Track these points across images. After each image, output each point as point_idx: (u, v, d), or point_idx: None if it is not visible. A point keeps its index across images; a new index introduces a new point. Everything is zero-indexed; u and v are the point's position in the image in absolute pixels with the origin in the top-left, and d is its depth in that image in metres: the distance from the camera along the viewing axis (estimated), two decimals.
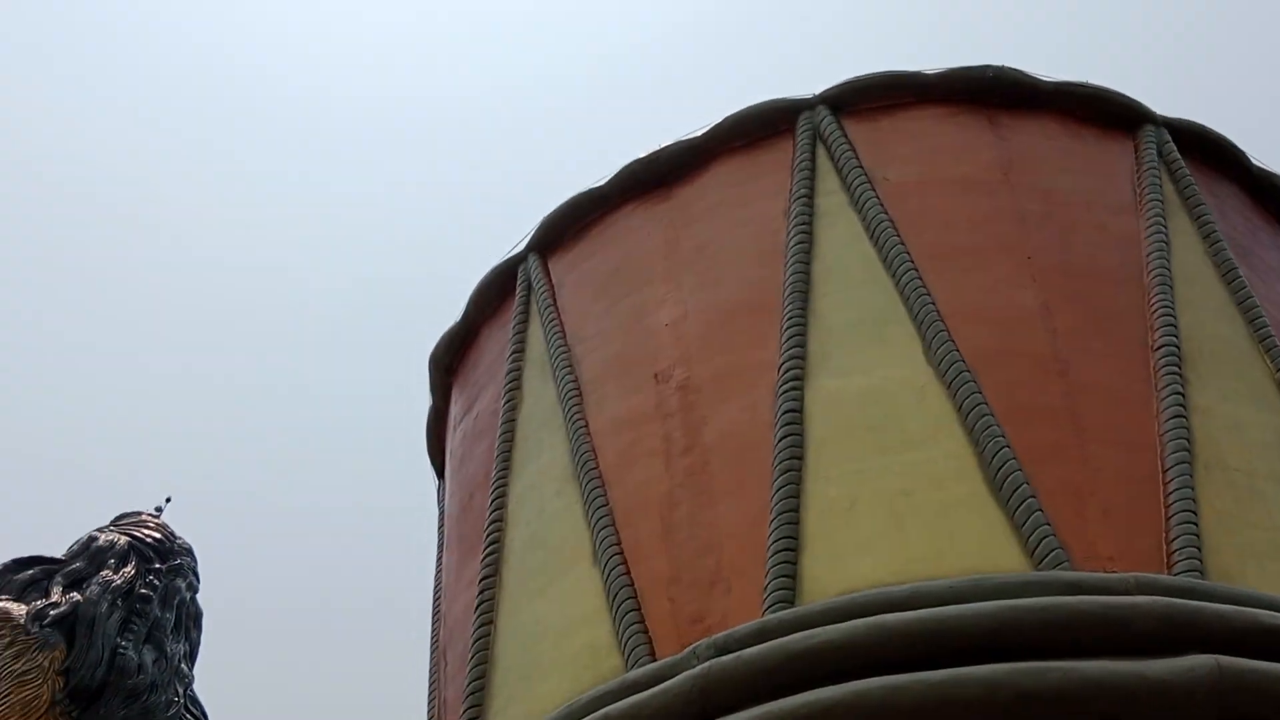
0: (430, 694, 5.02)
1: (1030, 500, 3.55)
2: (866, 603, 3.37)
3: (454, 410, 6.20)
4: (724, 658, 3.37)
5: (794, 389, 4.06)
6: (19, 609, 15.55)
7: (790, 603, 3.50)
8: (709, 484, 4.04)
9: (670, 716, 3.37)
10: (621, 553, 4.03)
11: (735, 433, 4.14)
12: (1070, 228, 4.61)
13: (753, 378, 4.25)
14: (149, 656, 15.89)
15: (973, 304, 4.18)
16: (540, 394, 5.12)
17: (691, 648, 3.50)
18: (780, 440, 3.93)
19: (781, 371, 4.15)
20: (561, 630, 4.03)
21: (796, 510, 3.72)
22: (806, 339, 4.22)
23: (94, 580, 15.83)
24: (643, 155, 5.48)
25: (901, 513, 3.63)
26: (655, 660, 3.59)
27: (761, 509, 3.79)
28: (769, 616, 3.45)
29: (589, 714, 3.52)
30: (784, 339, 4.25)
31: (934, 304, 4.15)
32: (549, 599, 4.19)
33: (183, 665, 16.39)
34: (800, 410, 3.99)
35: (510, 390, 5.35)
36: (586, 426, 4.67)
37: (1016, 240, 4.50)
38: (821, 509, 3.70)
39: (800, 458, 3.84)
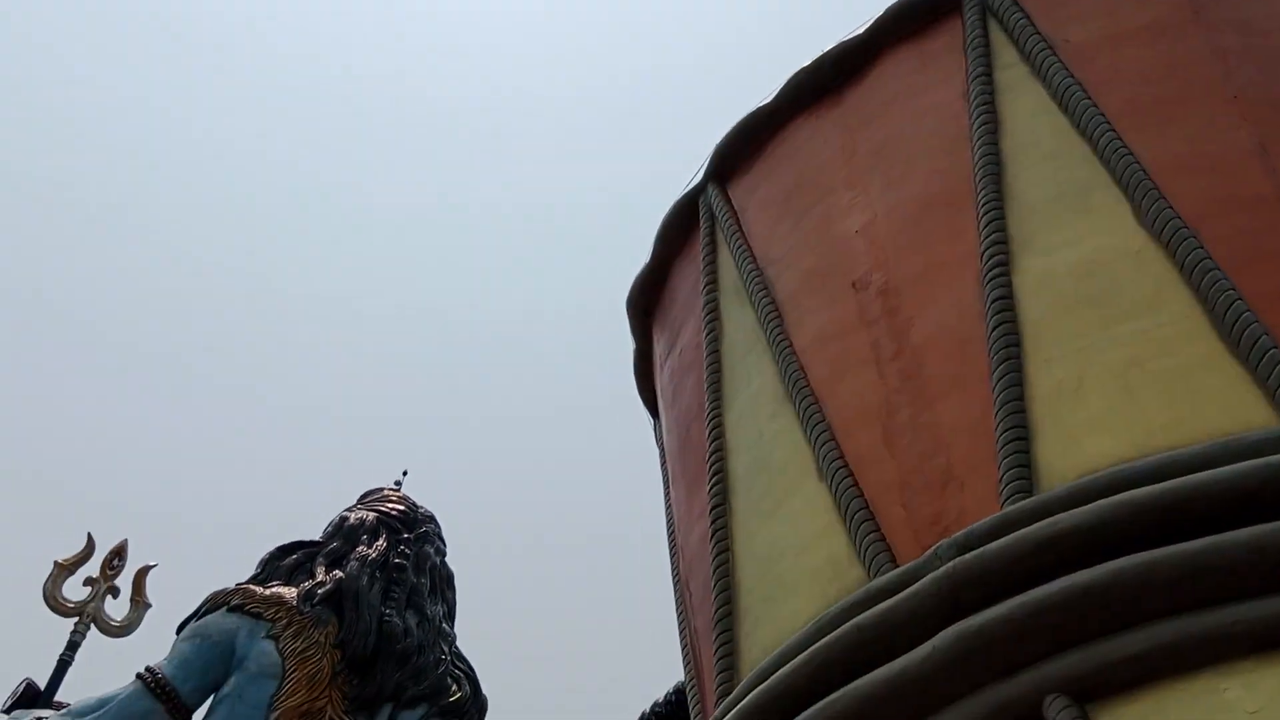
0: (680, 625, 5.16)
1: (1273, 351, 3.33)
2: (1108, 482, 3.26)
3: (657, 349, 6.29)
4: (967, 555, 3.33)
5: (1000, 275, 3.93)
6: (290, 592, 16.78)
7: (1028, 492, 3.42)
8: (925, 386, 3.97)
9: (920, 619, 3.36)
10: (847, 465, 4.02)
11: (945, 330, 4.05)
12: (1276, 57, 4.27)
13: (955, 271, 4.14)
14: (412, 620, 16.89)
15: (1181, 155, 3.94)
16: (740, 321, 5.13)
17: (933, 549, 3.47)
18: (994, 330, 3.82)
19: (984, 260, 4.02)
20: (798, 548, 4.06)
21: (1021, 398, 3.61)
22: (1006, 222, 4.07)
23: (351, 557, 16.91)
24: (806, 63, 5.38)
25: (1133, 384, 3.48)
26: (898, 566, 3.58)
27: (984, 403, 3.71)
28: (1009, 509, 3.38)
29: (839, 626, 3.55)
30: (982, 226, 4.11)
31: (1138, 163, 3.92)
32: (781, 519, 4.22)
33: (444, 625, 17.37)
34: (1010, 296, 3.86)
35: (710, 322, 5.38)
36: (791, 346, 4.66)
37: (1219, 80, 4.19)
38: (1047, 393, 3.59)
39: (1017, 344, 3.73)
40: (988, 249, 4.02)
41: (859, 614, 3.52)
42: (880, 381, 4.11)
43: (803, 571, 4.00)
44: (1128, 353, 3.54)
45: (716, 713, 4.03)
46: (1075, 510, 3.19)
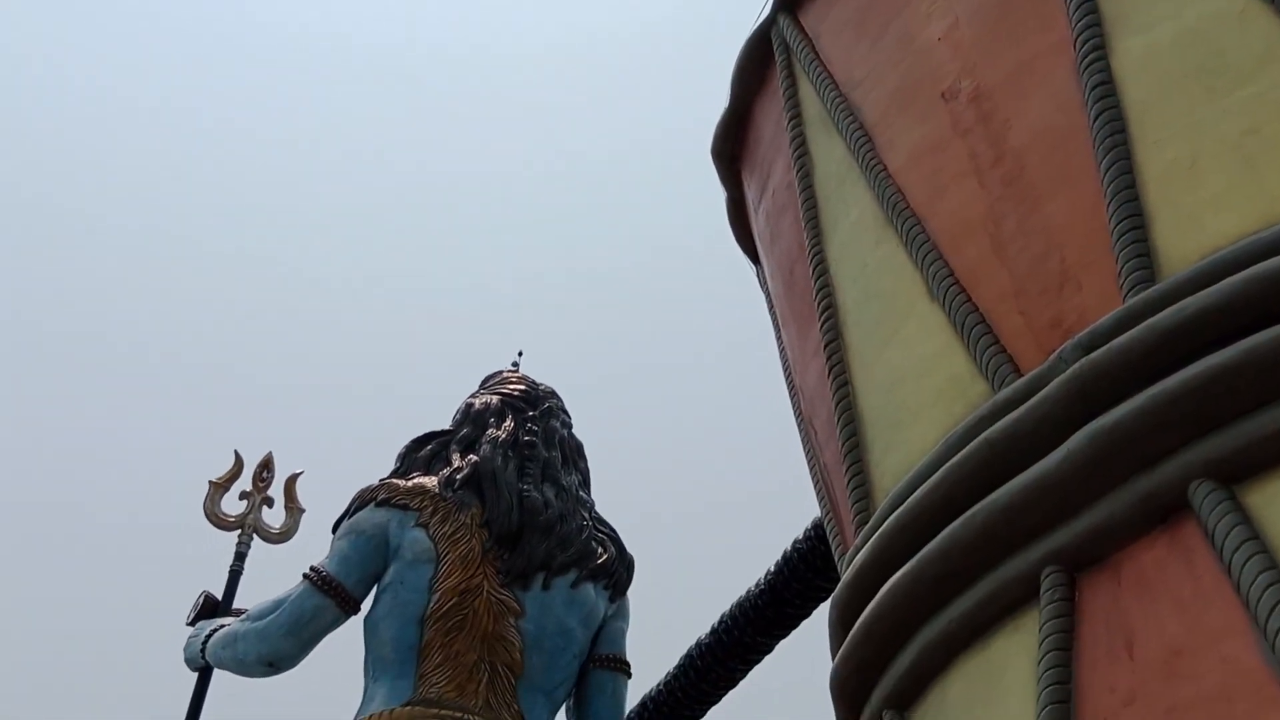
0: (809, 463, 5.20)
1: None
2: (1234, 258, 3.12)
3: (749, 194, 6.20)
4: (1094, 354, 3.25)
5: (1097, 60, 3.73)
6: (431, 481, 17.40)
7: (1150, 281, 3.30)
8: (1030, 188, 3.84)
9: (1051, 425, 3.31)
10: (958, 281, 3.94)
11: (1044, 128, 3.88)
12: None
13: (1048, 64, 3.95)
14: (550, 493, 17.41)
15: None
16: (829, 152, 5.01)
17: (1056, 353, 3.40)
18: (1096, 119, 3.65)
19: (1078, 47, 3.82)
20: (919, 372, 4.02)
21: (1133, 185, 3.46)
22: (1097, 3, 3.85)
23: (483, 440, 17.41)
24: None
25: (1251, 154, 3.30)
26: (1022, 375, 3.52)
27: (1094, 196, 3.57)
28: (1131, 301, 3.28)
29: (969, 443, 3.53)
30: (1072, 11, 3.89)
31: None
32: (897, 346, 4.18)
33: (580, 493, 17.88)
34: (1110, 81, 3.67)
35: (799, 158, 5.26)
36: (885, 169, 4.53)
37: None
38: (1160, 176, 3.44)
39: (1123, 130, 3.55)
40: (1081, 34, 3.82)
41: (987, 428, 3.49)
42: (982, 191, 3.99)
43: (926, 394, 3.97)
44: (1242, 121, 3.36)
45: (856, 541, 4.08)
46: (1202, 293, 3.08)
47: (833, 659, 4.16)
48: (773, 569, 7.44)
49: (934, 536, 3.55)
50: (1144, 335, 3.14)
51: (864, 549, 3.91)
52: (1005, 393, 3.52)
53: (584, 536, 18.18)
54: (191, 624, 19.92)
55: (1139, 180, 3.45)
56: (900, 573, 3.65)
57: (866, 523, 4.05)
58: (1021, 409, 3.39)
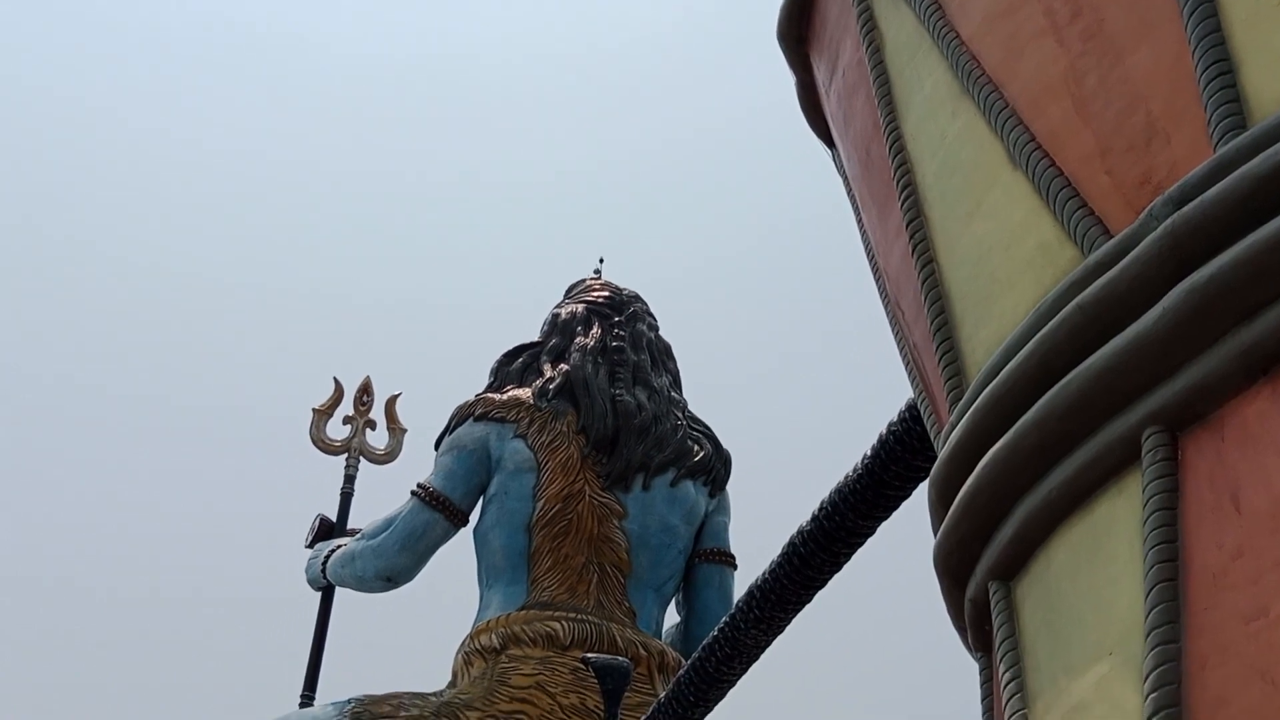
0: (899, 345, 5.16)
1: None
2: None
3: (819, 77, 6.05)
4: (1185, 208, 3.16)
5: None
6: (525, 392, 17.69)
7: (1241, 128, 3.18)
8: (1111, 42, 3.69)
9: (1145, 284, 3.24)
10: (1040, 146, 3.83)
11: None
12: None
13: None
14: (642, 395, 17.59)
15: None
16: (898, 24, 4.86)
17: (1146, 211, 3.31)
18: None
19: None
20: (1005, 242, 3.95)
21: (1219, 29, 3.31)
22: None
23: (572, 349, 17.62)
24: None
25: None
26: (1112, 236, 3.44)
27: (1178, 44, 3.43)
28: (1222, 150, 3.16)
29: (1061, 309, 3.47)
30: None
31: None
32: (982, 218, 4.11)
33: (672, 393, 18.02)
34: None
35: (867, 34, 5.12)
36: (958, 36, 4.39)
37: None
38: (1247, 18, 3.28)
39: None
40: None
41: (1079, 293, 3.43)
42: (1061, 50, 3.85)
43: (1014, 264, 3.91)
44: None
45: (950, 418, 4.08)
46: None
47: (934, 536, 4.18)
48: (869, 453, 7.43)
49: (1030, 407, 3.53)
50: (1237, 184, 3.04)
51: (959, 425, 3.90)
52: (1096, 256, 3.44)
53: (679, 436, 18.47)
54: (310, 546, 20.79)
55: (1224, 24, 3.29)
56: (997, 445, 3.64)
57: (960, 399, 4.03)
58: (1113, 271, 3.32)
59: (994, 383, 3.82)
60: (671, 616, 17.60)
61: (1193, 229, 3.15)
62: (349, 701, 15.35)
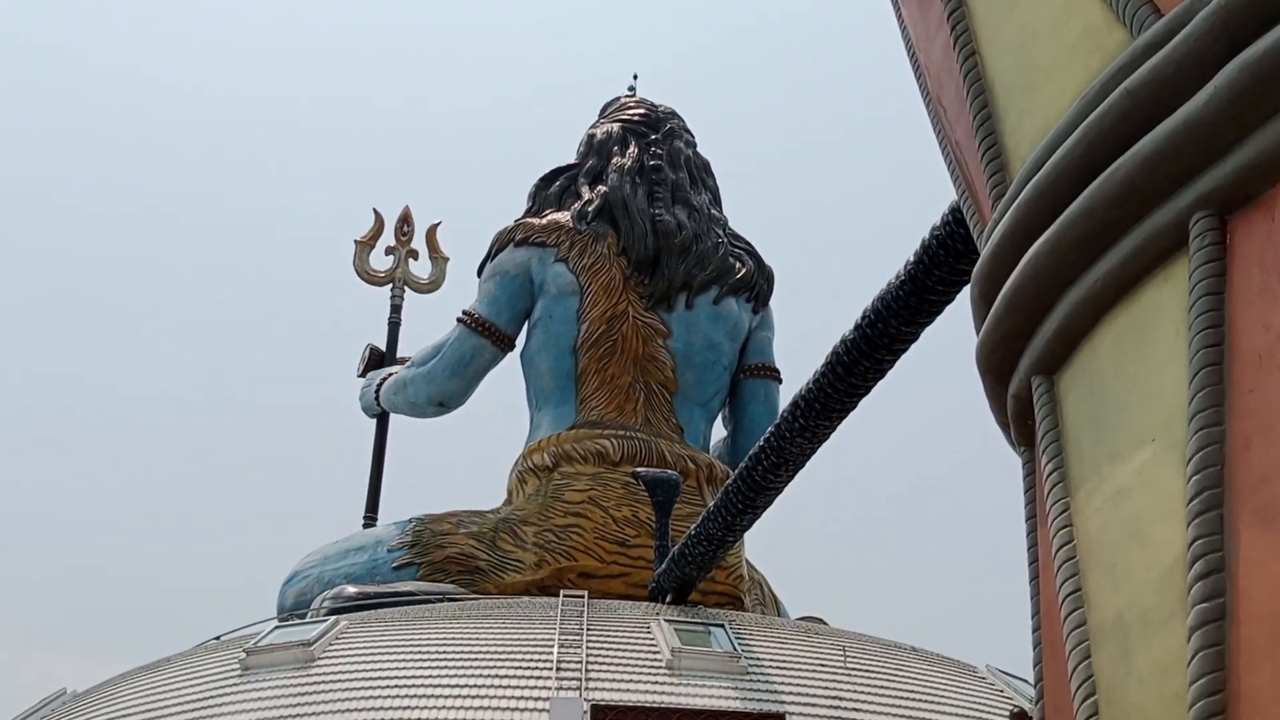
0: (941, 145, 5.05)
1: None
2: None
3: None
4: None
5: None
6: (564, 216, 17.67)
7: None
8: None
9: (1195, 65, 3.12)
10: None
11: None
12: None
13: None
14: (682, 214, 17.50)
15: None
16: None
17: None
18: None
19: None
20: (1050, 27, 3.80)
21: None
22: None
23: (609, 170, 17.47)
24: None
25: None
26: (1162, 15, 3.30)
27: None
28: None
29: (1106, 95, 3.36)
30: None
31: None
32: (1026, 3, 3.94)
33: (712, 211, 17.91)
34: None
35: None
36: None
37: None
38: None
39: None
40: None
41: (1127, 77, 3.31)
42: None
43: (1059, 50, 3.77)
44: None
45: (994, 215, 4.02)
46: None
47: (976, 335, 4.18)
48: (912, 258, 7.40)
49: (1075, 197, 3.46)
50: None
51: (1003, 221, 3.84)
52: (1145, 37, 3.31)
53: (721, 253, 18.38)
54: (362, 375, 21.19)
55: None
56: (1042, 238, 3.59)
57: (1004, 195, 3.96)
58: (1163, 52, 3.19)
59: (1038, 175, 3.74)
60: (718, 432, 17.92)
61: (1245, 4, 3.01)
62: (410, 521, 15.94)
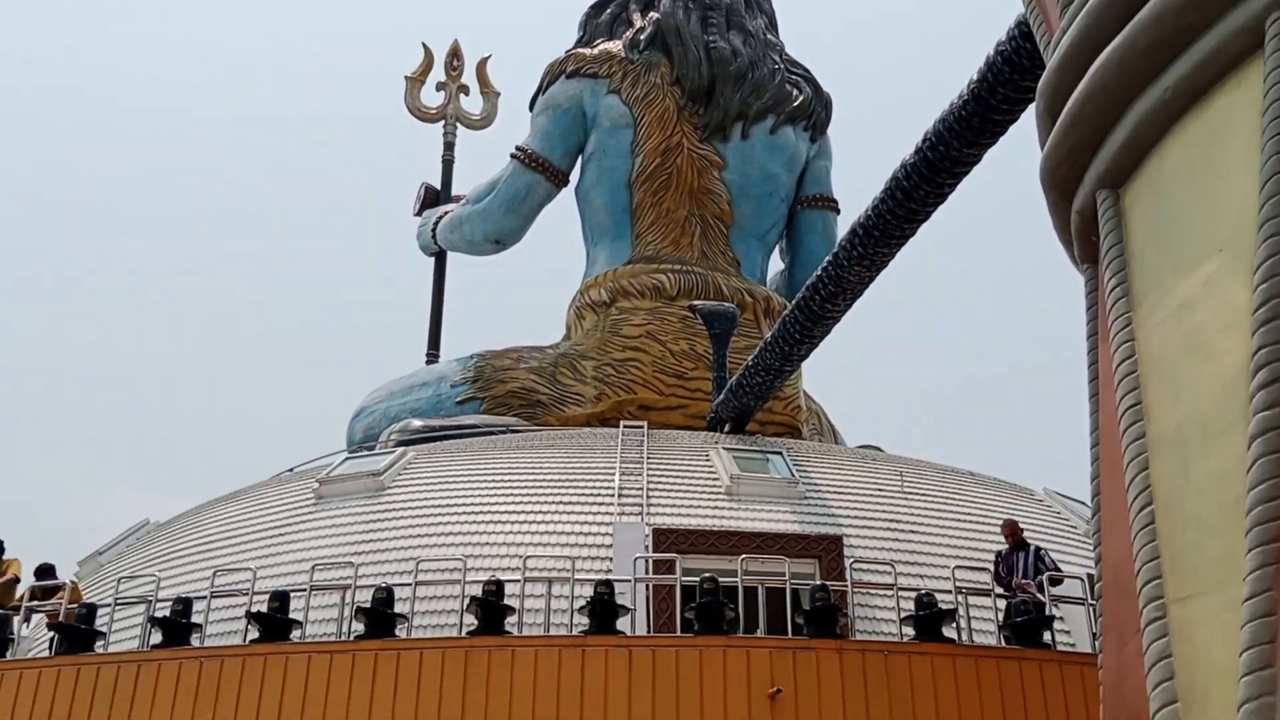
0: None
1: None
2: None
3: None
4: None
5: None
6: (616, 45, 17.27)
7: None
8: None
9: None
10: None
11: None
12: None
13: None
14: (737, 40, 17.03)
15: None
16: None
17: None
18: None
19: None
20: None
21: None
22: None
23: None
24: None
25: None
26: None
27: None
28: None
29: None
30: None
31: None
32: None
33: (768, 36, 17.39)
34: None
35: None
36: None
37: None
38: None
39: None
40: None
41: None
42: None
43: None
44: None
45: (1061, 24, 3.88)
46: None
47: (1041, 149, 4.10)
48: (975, 77, 7.18)
49: (1146, 2, 3.34)
50: None
51: (1071, 29, 3.72)
52: None
53: (777, 81, 17.90)
54: (418, 214, 21.20)
55: None
56: (1111, 46, 3.48)
57: (1072, 2, 3.82)
58: None
59: None
60: (775, 265, 17.83)
61: None
62: (471, 357, 16.21)
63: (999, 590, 8.66)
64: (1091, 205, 3.93)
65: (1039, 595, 8.35)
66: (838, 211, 17.46)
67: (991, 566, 9.02)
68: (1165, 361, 3.44)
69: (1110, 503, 4.04)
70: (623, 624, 7.98)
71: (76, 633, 8.15)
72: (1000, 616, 8.43)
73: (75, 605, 8.64)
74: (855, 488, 11.65)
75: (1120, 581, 4.00)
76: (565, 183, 17.12)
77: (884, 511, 11.09)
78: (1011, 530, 9.17)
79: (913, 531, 10.74)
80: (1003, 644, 8.10)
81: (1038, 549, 9.09)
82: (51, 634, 8.94)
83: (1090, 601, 7.99)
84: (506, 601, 8.08)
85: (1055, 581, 8.72)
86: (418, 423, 14.99)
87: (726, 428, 13.79)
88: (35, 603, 8.88)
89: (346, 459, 13.24)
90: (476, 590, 8.09)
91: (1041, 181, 4.21)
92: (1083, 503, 11.51)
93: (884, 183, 8.61)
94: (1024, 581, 8.59)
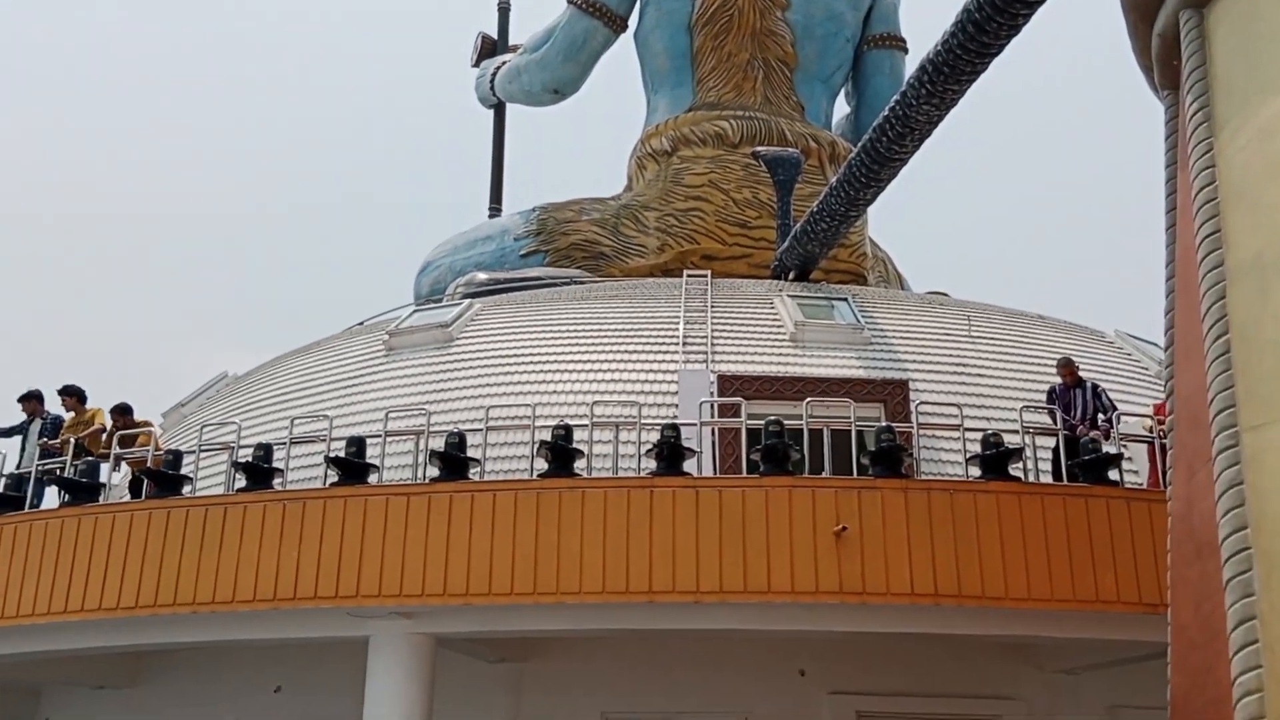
0: None
1: None
2: None
3: None
4: None
5: None
6: None
7: None
8: None
9: None
10: None
11: None
12: None
13: None
14: None
15: None
16: None
17: None
18: None
19: None
20: None
21: None
22: None
23: None
24: None
25: None
26: None
27: None
28: None
29: None
30: None
31: None
32: None
33: None
34: None
35: None
36: None
37: None
38: None
39: None
40: None
41: None
42: None
43: None
44: None
45: None
46: None
47: None
48: None
49: None
50: None
51: None
52: None
53: None
54: (476, 65, 20.92)
55: None
56: None
57: None
58: None
59: None
60: (841, 108, 17.41)
61: None
62: (534, 210, 16.19)
63: (1058, 425, 8.63)
64: (1174, 27, 3.78)
65: (1103, 440, 8.34)
66: (906, 51, 16.91)
67: (1046, 401, 9.00)
68: (1246, 187, 3.34)
69: (1185, 334, 3.99)
70: (689, 467, 8.11)
71: (165, 478, 8.49)
72: (1058, 455, 8.41)
73: (161, 452, 8.98)
74: (921, 332, 11.58)
75: (1192, 412, 3.98)
76: (624, 28, 16.73)
77: (950, 356, 11.05)
78: (1068, 367, 9.11)
79: (979, 375, 10.71)
80: (1068, 482, 8.14)
81: (1095, 385, 9.04)
82: (129, 480, 9.31)
83: (1158, 438, 7.95)
84: (575, 448, 8.25)
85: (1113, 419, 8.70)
86: (483, 276, 15.10)
87: (791, 276, 13.72)
88: (123, 450, 9.23)
89: (415, 311, 13.43)
90: (545, 437, 8.26)
91: (1121, 4, 4.04)
92: (1154, 344, 11.37)
93: (954, 16, 8.31)
94: (1092, 431, 8.57)
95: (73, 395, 9.87)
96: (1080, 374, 9.11)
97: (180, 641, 8.54)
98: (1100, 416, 8.66)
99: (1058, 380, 9.24)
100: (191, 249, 45.90)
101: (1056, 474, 8.05)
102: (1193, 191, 3.56)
